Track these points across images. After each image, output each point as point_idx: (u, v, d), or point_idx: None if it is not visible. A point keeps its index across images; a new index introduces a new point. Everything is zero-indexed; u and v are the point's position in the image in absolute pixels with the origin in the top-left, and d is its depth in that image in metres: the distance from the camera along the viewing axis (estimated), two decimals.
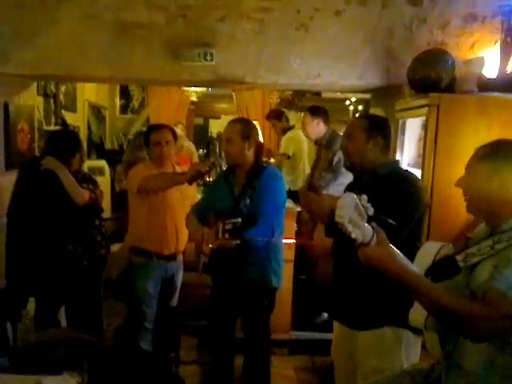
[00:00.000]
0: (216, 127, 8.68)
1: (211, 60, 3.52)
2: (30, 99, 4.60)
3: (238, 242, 2.50)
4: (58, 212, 3.07)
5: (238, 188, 2.74)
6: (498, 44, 3.25)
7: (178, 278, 3.29)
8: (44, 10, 3.53)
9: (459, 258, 1.56)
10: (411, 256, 1.66)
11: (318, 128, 4.34)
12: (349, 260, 1.74)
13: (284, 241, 2.86)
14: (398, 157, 3.27)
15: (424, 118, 2.95)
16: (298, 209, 3.97)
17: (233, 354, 2.93)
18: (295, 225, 4.01)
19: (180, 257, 3.25)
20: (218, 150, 5.89)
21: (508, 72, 3.12)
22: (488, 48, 3.39)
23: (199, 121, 9.26)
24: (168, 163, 3.15)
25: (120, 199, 3.68)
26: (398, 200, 1.98)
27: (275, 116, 5.61)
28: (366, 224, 1.43)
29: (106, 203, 3.61)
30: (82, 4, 3.54)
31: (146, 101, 7.82)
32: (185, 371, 3.38)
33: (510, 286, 1.40)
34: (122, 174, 4.00)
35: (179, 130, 5.32)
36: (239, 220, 2.52)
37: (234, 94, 6.88)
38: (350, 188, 2.35)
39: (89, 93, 6.71)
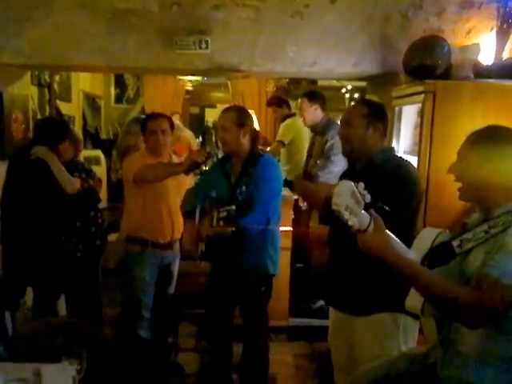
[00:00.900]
0: (212, 116, 8.64)
1: (206, 48, 3.49)
2: (25, 89, 4.57)
3: (233, 229, 2.52)
4: (50, 201, 3.07)
5: (235, 176, 2.75)
6: (494, 30, 3.24)
7: (175, 266, 3.30)
8: None
9: (455, 243, 1.57)
10: (408, 243, 1.67)
11: (316, 114, 4.30)
12: (345, 247, 1.75)
13: (281, 228, 2.88)
14: (394, 144, 3.27)
15: (420, 105, 2.95)
16: (295, 197, 3.98)
17: (231, 341, 2.95)
18: (292, 212, 4.02)
19: (176, 245, 3.26)
20: (214, 138, 5.87)
21: (504, 58, 3.11)
22: (484, 34, 3.38)
23: (195, 110, 9.22)
24: (164, 152, 3.14)
25: (116, 189, 3.67)
26: (393, 187, 1.98)
27: (276, 102, 5.52)
28: (363, 211, 1.43)
29: (103, 193, 3.61)
30: None
31: (140, 90, 7.78)
32: (184, 358, 3.42)
33: (502, 271, 1.41)
34: (118, 162, 3.99)
35: (177, 121, 5.29)
36: (233, 208, 2.54)
37: (229, 82, 6.85)
38: (345, 175, 2.35)
39: (83, 82, 6.67)
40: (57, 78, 5.66)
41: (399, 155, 2.56)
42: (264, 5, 3.51)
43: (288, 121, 5.26)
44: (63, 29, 3.54)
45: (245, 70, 3.71)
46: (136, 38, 3.58)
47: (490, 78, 2.94)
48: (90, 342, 2.12)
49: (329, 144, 4.11)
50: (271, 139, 6.24)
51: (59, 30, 3.54)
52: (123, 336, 3.19)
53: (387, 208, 1.57)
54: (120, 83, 7.82)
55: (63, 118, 5.40)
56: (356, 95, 6.55)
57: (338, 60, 3.62)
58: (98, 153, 5.99)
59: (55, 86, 5.59)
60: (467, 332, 1.55)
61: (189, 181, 3.23)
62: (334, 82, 6.18)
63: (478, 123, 2.21)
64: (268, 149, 5.20)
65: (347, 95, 6.66)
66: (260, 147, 3.34)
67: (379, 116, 2.19)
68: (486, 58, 3.18)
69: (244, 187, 2.67)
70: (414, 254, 1.60)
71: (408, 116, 3.28)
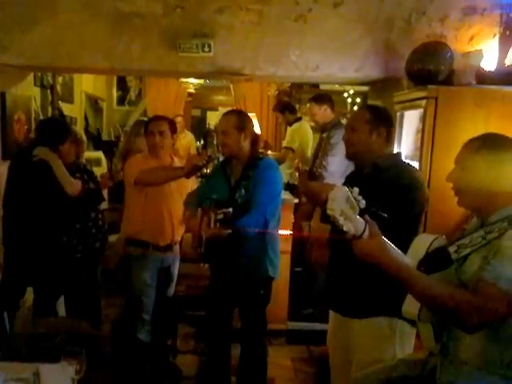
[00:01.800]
0: (214, 119, 8.65)
1: (209, 51, 3.50)
2: (27, 90, 4.58)
3: (229, 231, 2.52)
4: (51, 202, 3.07)
5: (235, 179, 2.76)
6: (497, 37, 3.24)
7: (175, 268, 3.30)
8: (41, 0, 3.50)
9: (452, 249, 1.57)
10: (406, 249, 1.67)
11: (326, 114, 4.33)
12: (344, 249, 1.75)
13: (280, 232, 2.88)
14: (396, 149, 3.27)
15: (422, 110, 2.95)
16: (296, 200, 3.99)
17: (230, 344, 2.94)
18: (292, 216, 4.02)
19: (176, 247, 3.26)
20: (215, 141, 5.88)
21: (506, 65, 3.11)
22: (487, 41, 3.39)
23: (197, 112, 9.24)
24: (163, 153, 3.13)
25: (117, 190, 3.68)
26: (395, 192, 1.99)
27: (278, 109, 5.58)
28: (358, 217, 1.43)
29: (104, 194, 3.61)
30: None
31: (143, 92, 7.79)
32: (182, 361, 3.41)
33: (498, 275, 1.42)
34: (119, 163, 3.99)
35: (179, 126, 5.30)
36: (230, 210, 2.55)
37: (231, 85, 6.85)
38: (350, 179, 2.36)
39: (86, 84, 6.68)
40: (59, 79, 5.68)
41: (405, 161, 2.56)
42: (267, 9, 3.52)
43: (295, 125, 5.29)
44: (67, 30, 3.55)
45: (248, 73, 3.72)
46: (139, 41, 3.59)
47: (493, 84, 2.95)
48: (89, 344, 2.12)
49: (331, 142, 4.12)
50: (273, 142, 6.25)
51: (63, 32, 3.55)
52: (122, 338, 3.19)
53: (384, 214, 1.57)
54: (122, 85, 7.83)
55: (65, 119, 5.42)
56: (358, 100, 6.55)
57: (341, 64, 3.63)
58: (100, 154, 5.99)
59: (58, 88, 5.60)
60: (466, 339, 1.54)
61: (190, 184, 3.24)
62: (337, 87, 6.18)
63: (480, 129, 2.22)
64: (269, 152, 5.22)
65: (349, 100, 6.66)
66: (261, 150, 3.35)
67: (383, 121, 2.20)
68: (489, 64, 3.18)
69: (243, 190, 2.68)
70: (409, 259, 1.60)
71: (410, 121, 3.28)
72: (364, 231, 1.45)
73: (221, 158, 3.08)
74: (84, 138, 3.73)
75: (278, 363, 3.43)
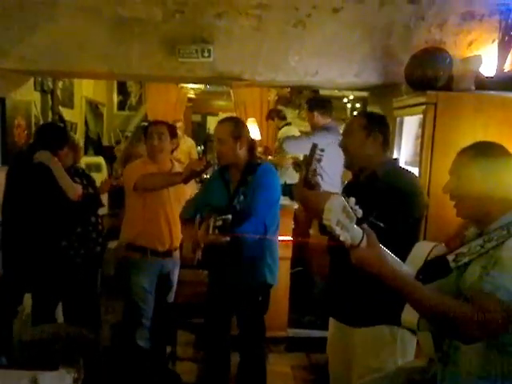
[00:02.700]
0: (214, 124, 8.61)
1: (209, 56, 3.51)
2: (27, 95, 4.58)
3: (228, 238, 2.51)
4: (52, 207, 3.07)
5: (233, 185, 2.75)
6: (496, 42, 3.25)
7: (174, 274, 3.29)
8: (41, 6, 3.51)
9: (450, 258, 1.56)
10: (406, 256, 1.66)
11: (317, 120, 4.32)
12: (344, 258, 1.74)
13: (280, 238, 2.87)
14: (395, 155, 3.26)
15: (421, 116, 2.95)
16: (296, 206, 3.97)
17: (229, 351, 2.93)
18: (292, 222, 4.01)
19: (176, 253, 3.25)
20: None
21: (505, 70, 3.12)
22: (486, 46, 3.39)
23: (197, 118, 9.24)
24: (161, 157, 3.13)
25: (117, 195, 3.67)
26: (392, 200, 1.97)
27: (270, 117, 5.95)
28: (356, 226, 1.42)
29: (103, 199, 3.61)
30: None
31: (143, 97, 7.80)
32: (181, 368, 3.40)
33: (497, 286, 1.40)
34: (120, 168, 3.99)
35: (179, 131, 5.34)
36: (229, 217, 2.54)
37: (231, 91, 6.87)
38: (348, 187, 2.35)
39: (86, 89, 6.68)
40: (60, 84, 5.68)
41: (403, 167, 2.56)
42: (267, 14, 3.52)
43: (283, 129, 5.60)
44: (67, 35, 3.56)
45: (247, 78, 3.72)
46: (139, 46, 3.59)
47: (492, 89, 2.95)
48: (88, 351, 2.11)
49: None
50: (273, 148, 6.26)
51: (63, 37, 3.56)
52: (122, 344, 3.17)
53: (381, 224, 1.55)
54: (123, 90, 7.84)
55: (65, 124, 5.42)
56: (358, 105, 6.56)
57: (340, 70, 3.63)
58: (100, 159, 6.00)
59: (58, 93, 5.60)
60: (467, 348, 1.53)
61: (190, 190, 3.23)
62: (336, 92, 6.20)
63: (479, 135, 2.21)
64: (270, 157, 5.25)
65: (349, 105, 6.67)
66: (262, 156, 3.34)
67: (378, 126, 2.19)
68: (488, 69, 3.18)
69: (242, 196, 2.67)
70: (408, 267, 1.59)
71: (409, 127, 3.28)
72: (361, 240, 1.45)
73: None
74: (80, 143, 3.73)
75: (278, 370, 3.41)
